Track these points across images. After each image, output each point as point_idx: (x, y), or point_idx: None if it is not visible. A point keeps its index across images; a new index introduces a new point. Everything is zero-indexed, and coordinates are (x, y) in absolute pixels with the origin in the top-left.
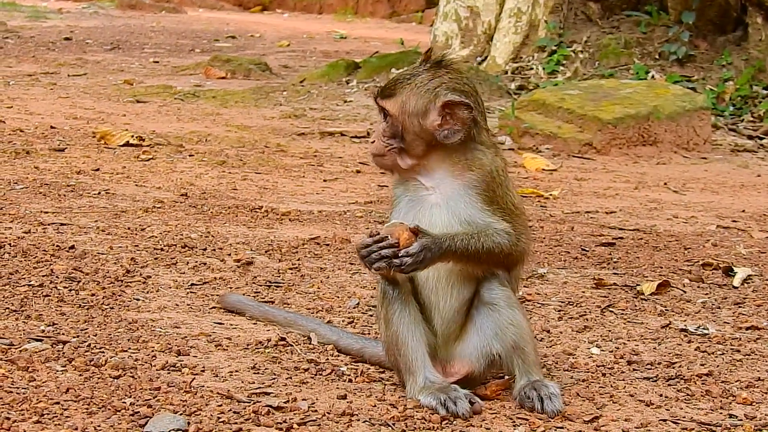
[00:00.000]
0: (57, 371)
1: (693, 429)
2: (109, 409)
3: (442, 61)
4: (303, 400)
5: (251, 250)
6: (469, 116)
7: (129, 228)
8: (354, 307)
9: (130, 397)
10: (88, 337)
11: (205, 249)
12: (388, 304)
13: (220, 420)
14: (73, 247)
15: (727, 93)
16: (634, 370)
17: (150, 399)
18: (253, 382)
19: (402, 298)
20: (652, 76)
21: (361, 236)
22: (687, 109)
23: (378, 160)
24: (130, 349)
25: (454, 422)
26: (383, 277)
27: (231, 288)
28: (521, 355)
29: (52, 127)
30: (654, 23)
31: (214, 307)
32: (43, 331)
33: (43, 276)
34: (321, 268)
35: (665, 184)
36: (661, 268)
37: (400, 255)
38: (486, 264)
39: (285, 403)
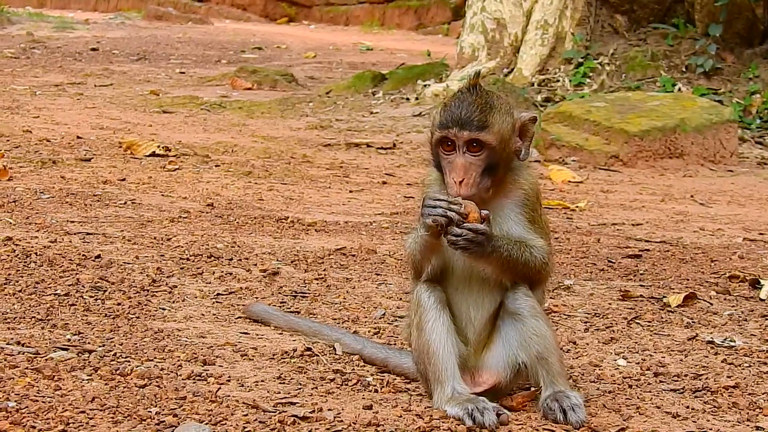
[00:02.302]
0: (83, 380)
1: None
2: (134, 419)
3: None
4: (329, 410)
5: (277, 260)
6: (534, 131)
7: (155, 238)
8: (380, 318)
9: (156, 406)
10: (114, 346)
11: (231, 259)
12: (423, 312)
13: (246, 430)
14: (99, 256)
15: (754, 106)
16: (660, 381)
17: (175, 408)
18: (279, 392)
19: (437, 307)
20: (679, 89)
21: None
22: (714, 122)
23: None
24: (155, 358)
25: None
26: (421, 277)
27: (257, 298)
28: (545, 365)
29: (78, 137)
30: (681, 36)
31: (239, 317)
32: (69, 340)
33: (69, 285)
34: (347, 279)
35: (692, 196)
36: (688, 280)
37: (462, 225)
38: (518, 275)
39: (311, 413)
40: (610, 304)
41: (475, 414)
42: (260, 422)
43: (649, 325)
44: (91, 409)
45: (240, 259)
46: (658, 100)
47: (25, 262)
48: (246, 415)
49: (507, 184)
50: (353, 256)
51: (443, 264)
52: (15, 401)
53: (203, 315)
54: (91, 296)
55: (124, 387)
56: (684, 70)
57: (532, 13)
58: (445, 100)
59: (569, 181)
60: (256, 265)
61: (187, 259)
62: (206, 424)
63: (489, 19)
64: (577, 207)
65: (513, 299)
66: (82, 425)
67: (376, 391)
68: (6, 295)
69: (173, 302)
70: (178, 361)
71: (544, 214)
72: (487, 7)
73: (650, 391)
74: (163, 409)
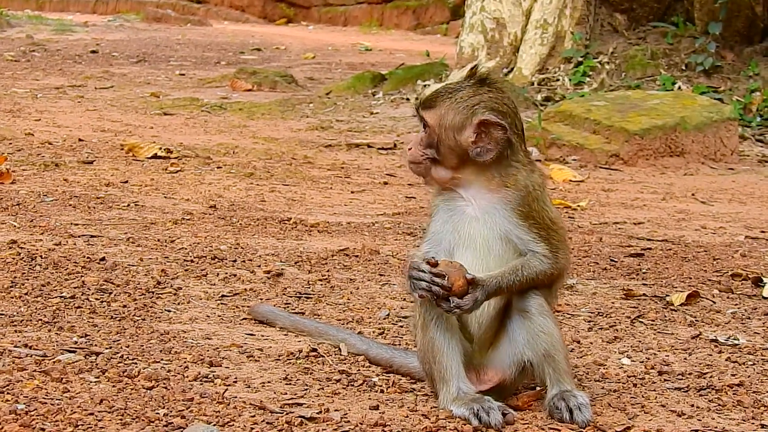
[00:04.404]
0: (90, 382)
1: None
2: (142, 420)
3: (486, 78)
4: (335, 410)
5: (281, 261)
6: (504, 137)
7: (159, 240)
8: (384, 318)
9: (164, 408)
10: (121, 348)
11: (234, 260)
12: (426, 311)
13: (254, 430)
14: (103, 259)
15: (754, 103)
16: (665, 380)
17: (183, 410)
18: (286, 393)
19: None
20: (679, 87)
21: (414, 253)
22: (714, 120)
23: (414, 168)
24: (162, 360)
25: None
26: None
27: (261, 299)
28: (552, 363)
29: (80, 140)
30: (681, 34)
31: (245, 318)
32: (75, 342)
33: (75, 288)
34: (351, 279)
35: (693, 194)
36: (690, 278)
37: (450, 301)
38: (526, 289)
39: (317, 413)
40: (613, 303)
41: (480, 414)
42: (267, 423)
43: (652, 324)
44: (99, 411)
45: (244, 261)
46: (658, 99)
47: (30, 265)
48: (253, 416)
49: (492, 181)
50: (356, 256)
51: None
52: (24, 404)
53: (208, 316)
54: (96, 298)
55: (132, 389)
56: (684, 68)
57: (532, 12)
58: None
59: (570, 180)
60: (260, 266)
61: (191, 261)
62: (214, 425)
63: (488, 19)
64: (578, 206)
65: (521, 297)
66: (91, 427)
67: (382, 391)
68: (12, 297)
69: (178, 304)
70: (185, 362)
71: (547, 210)
72: (487, 7)
73: (655, 390)
74: (171, 411)
